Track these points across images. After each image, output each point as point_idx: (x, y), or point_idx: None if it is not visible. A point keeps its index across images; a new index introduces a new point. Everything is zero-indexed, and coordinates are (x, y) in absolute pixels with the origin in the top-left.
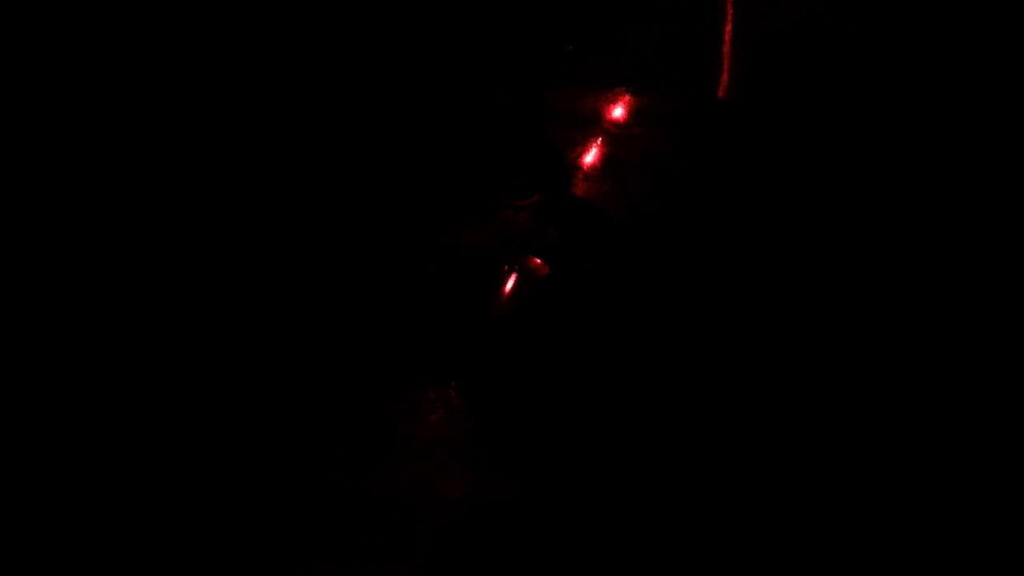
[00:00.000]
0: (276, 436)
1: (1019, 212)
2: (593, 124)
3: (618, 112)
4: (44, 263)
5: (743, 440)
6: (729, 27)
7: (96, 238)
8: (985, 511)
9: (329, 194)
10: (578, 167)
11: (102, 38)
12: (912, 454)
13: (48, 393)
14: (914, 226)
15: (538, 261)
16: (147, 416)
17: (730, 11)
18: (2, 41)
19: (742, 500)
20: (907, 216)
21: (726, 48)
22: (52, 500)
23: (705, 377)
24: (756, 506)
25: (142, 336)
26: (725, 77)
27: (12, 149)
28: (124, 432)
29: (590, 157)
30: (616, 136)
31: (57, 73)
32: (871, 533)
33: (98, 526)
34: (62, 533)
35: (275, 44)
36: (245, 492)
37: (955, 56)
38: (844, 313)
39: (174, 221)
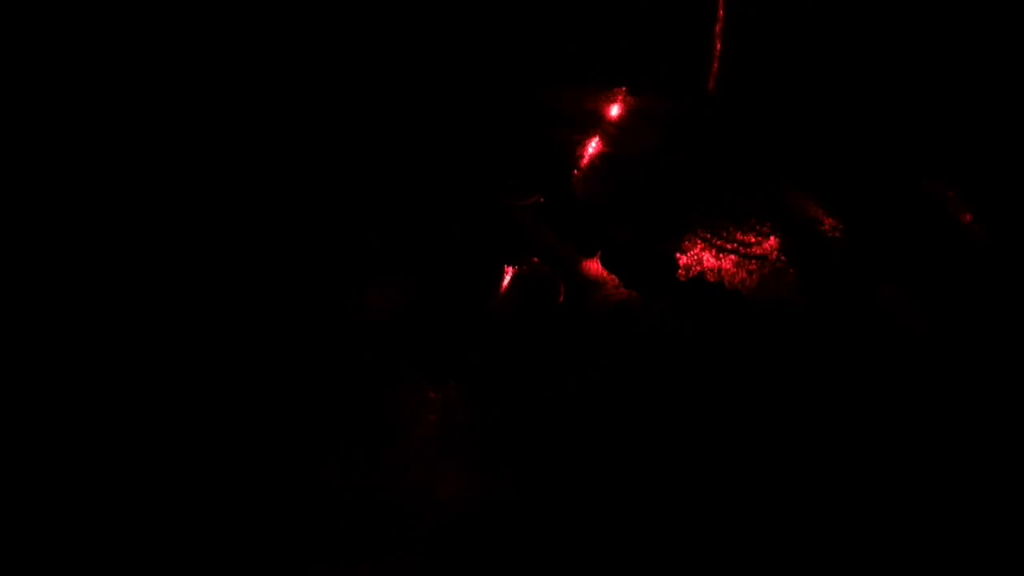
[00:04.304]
0: (276, 436)
1: (1010, 203)
2: (592, 124)
3: (616, 111)
4: (45, 263)
5: (741, 440)
6: (720, 28)
7: (97, 238)
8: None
9: (330, 194)
10: (578, 167)
11: (103, 38)
12: (910, 456)
13: (48, 392)
14: (898, 214)
15: (538, 261)
16: (148, 417)
17: (721, 12)
18: (3, 41)
19: (740, 499)
20: (890, 205)
21: (719, 48)
22: (52, 500)
23: (704, 376)
24: (754, 506)
25: (143, 336)
26: (718, 76)
27: (13, 149)
28: (124, 432)
29: (589, 157)
30: (615, 135)
31: (59, 73)
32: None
33: (98, 526)
34: (62, 533)
35: (276, 44)
36: (245, 492)
37: (936, 57)
38: (835, 299)
39: (174, 219)
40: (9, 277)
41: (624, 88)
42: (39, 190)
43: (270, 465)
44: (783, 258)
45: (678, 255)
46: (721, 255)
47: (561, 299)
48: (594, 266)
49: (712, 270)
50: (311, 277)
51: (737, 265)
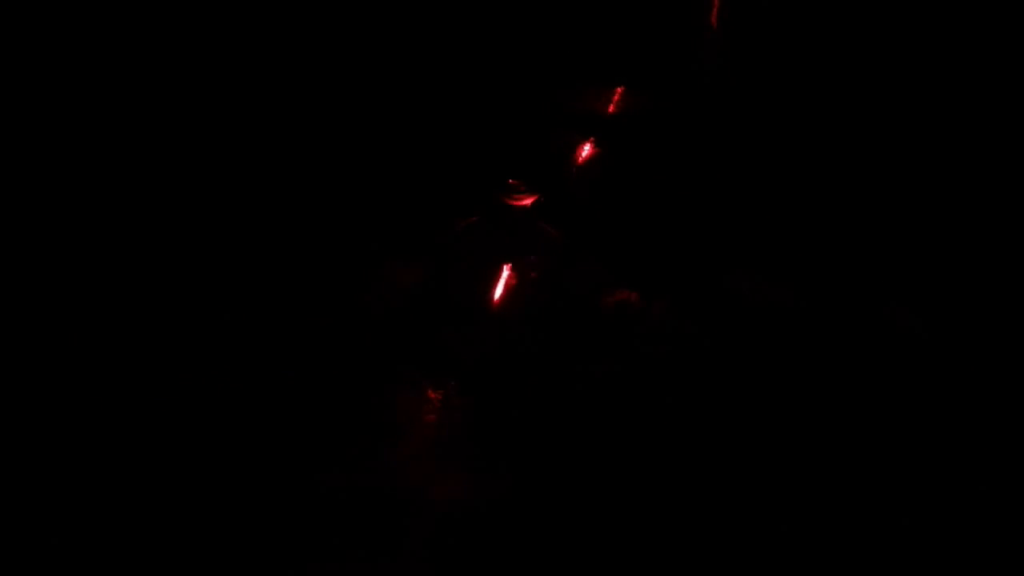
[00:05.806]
0: (274, 435)
1: (1011, 203)
2: (592, 124)
3: (616, 111)
4: (43, 262)
5: (739, 439)
6: (717, 25)
7: (94, 237)
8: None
9: (330, 194)
10: (578, 167)
11: (103, 38)
12: (912, 455)
13: (48, 392)
14: (903, 212)
15: (538, 261)
16: (148, 416)
17: (716, 9)
18: (3, 41)
19: (739, 498)
20: (895, 202)
21: (719, 46)
22: (52, 500)
23: (702, 378)
24: (753, 505)
25: (140, 336)
26: (719, 74)
27: (13, 149)
28: (124, 432)
29: (589, 157)
30: (615, 135)
31: (58, 73)
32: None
33: (98, 526)
34: (59, 533)
35: (276, 43)
36: (242, 491)
37: (940, 53)
38: (838, 301)
39: (172, 221)
40: (9, 277)
41: (624, 88)
42: (39, 190)
43: (270, 465)
44: (780, 255)
45: (678, 254)
46: (721, 254)
47: (560, 299)
48: (594, 266)
49: (712, 269)
50: (311, 278)
51: (736, 264)
